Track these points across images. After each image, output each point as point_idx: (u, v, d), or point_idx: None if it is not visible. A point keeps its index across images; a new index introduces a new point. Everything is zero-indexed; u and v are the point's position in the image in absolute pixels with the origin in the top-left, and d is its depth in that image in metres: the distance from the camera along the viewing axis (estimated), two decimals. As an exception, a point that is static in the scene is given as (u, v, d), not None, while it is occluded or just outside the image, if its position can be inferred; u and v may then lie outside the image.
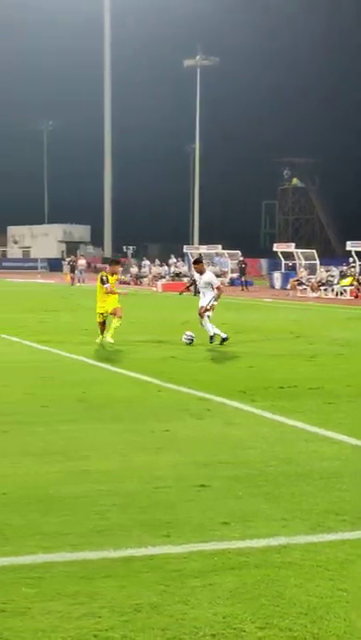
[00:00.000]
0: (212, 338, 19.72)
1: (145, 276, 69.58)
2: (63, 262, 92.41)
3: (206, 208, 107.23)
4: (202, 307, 19.89)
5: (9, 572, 5.69)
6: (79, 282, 63.84)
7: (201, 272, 20.76)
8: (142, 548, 6.18)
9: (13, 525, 6.65)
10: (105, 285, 19.88)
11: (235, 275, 64.47)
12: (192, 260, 22.67)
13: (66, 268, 79.16)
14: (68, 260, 77.32)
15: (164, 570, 5.77)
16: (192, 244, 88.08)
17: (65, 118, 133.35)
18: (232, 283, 63.97)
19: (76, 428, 10.43)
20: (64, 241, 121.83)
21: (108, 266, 21.08)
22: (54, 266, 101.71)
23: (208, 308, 19.78)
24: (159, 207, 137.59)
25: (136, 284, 67.80)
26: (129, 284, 67.76)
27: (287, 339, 22.36)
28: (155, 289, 58.76)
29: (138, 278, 70.12)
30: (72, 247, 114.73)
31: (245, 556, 6.05)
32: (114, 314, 19.89)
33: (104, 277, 20.14)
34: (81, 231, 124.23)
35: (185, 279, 61.77)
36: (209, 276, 20.84)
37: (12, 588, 5.43)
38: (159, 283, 60.19)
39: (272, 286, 59.85)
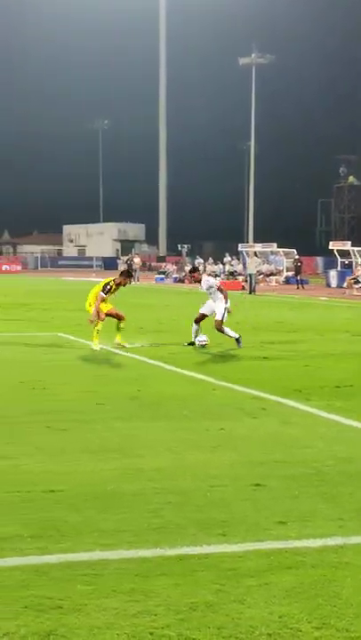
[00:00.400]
0: (238, 340, 18.88)
1: (199, 275, 69.56)
2: (118, 261, 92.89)
3: (261, 206, 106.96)
4: (217, 321, 18.74)
5: (65, 569, 5.72)
6: (135, 280, 64.11)
7: (198, 281, 19.53)
8: (198, 546, 6.17)
9: (70, 522, 6.69)
10: (101, 294, 18.62)
11: (290, 273, 64.23)
12: (188, 270, 20.86)
13: (122, 266, 79.48)
14: (125, 258, 77.55)
15: (219, 569, 5.75)
16: (247, 243, 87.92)
17: (120, 117, 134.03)
18: (287, 281, 63.75)
19: (132, 425, 10.46)
20: (119, 240, 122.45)
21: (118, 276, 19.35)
22: (109, 264, 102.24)
23: (223, 320, 18.80)
24: (214, 205, 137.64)
25: (190, 282, 67.80)
26: (183, 282, 67.85)
27: (343, 337, 22.19)
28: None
29: (192, 277, 70.10)
30: (127, 246, 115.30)
31: (302, 556, 6.01)
32: (111, 315, 18.93)
33: (108, 286, 18.70)
34: (136, 230, 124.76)
35: (240, 277, 61.78)
36: (207, 281, 19.32)
37: (68, 585, 5.46)
38: (214, 281, 60.10)
39: (328, 285, 59.51)
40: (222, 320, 18.76)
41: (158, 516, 6.85)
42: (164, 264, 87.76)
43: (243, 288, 54.58)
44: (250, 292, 49.81)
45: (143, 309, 31.96)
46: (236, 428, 10.34)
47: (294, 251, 65.84)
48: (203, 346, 18.78)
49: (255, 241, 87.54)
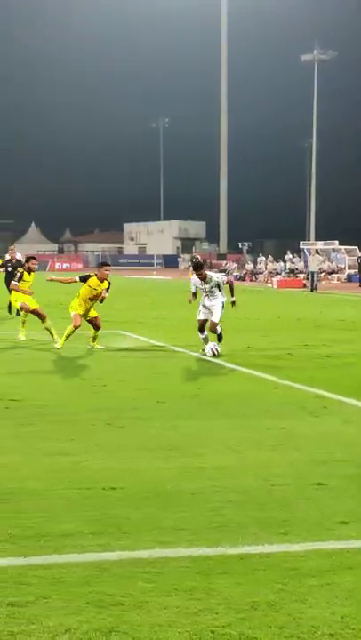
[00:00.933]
0: (220, 336, 17.66)
1: (260, 273, 69.40)
2: (179, 259, 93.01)
3: (323, 203, 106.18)
4: (213, 322, 17.45)
5: (127, 566, 5.73)
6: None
7: (204, 278, 17.56)
8: (259, 545, 6.14)
9: (131, 519, 6.70)
10: (76, 278, 17.72)
11: (352, 271, 63.71)
12: (191, 267, 18.77)
13: (184, 264, 79.58)
14: (189, 256, 77.27)
15: (281, 568, 5.71)
16: (308, 240, 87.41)
17: (181, 115, 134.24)
18: (349, 279, 63.23)
19: (192, 424, 10.45)
20: (179, 237, 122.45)
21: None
22: (170, 262, 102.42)
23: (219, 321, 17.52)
24: (275, 203, 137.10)
25: (251, 280, 67.72)
26: (244, 279, 67.70)
27: None
28: (270, 285, 58.54)
29: (253, 275, 70.00)
30: (187, 244, 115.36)
31: (364, 557, 5.94)
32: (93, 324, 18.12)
33: (87, 276, 17.92)
34: (196, 228, 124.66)
35: (301, 275, 61.46)
36: (215, 277, 17.88)
37: (130, 582, 5.46)
38: (275, 279, 59.95)
39: (391, 283, 58.88)
40: (219, 321, 17.57)
41: (219, 515, 6.83)
42: (224, 262, 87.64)
43: (304, 286, 54.32)
44: (311, 290, 49.54)
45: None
46: (297, 427, 10.28)
47: (356, 248, 65.31)
48: (215, 354, 17.02)
49: (317, 239, 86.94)
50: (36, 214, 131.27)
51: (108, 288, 18.13)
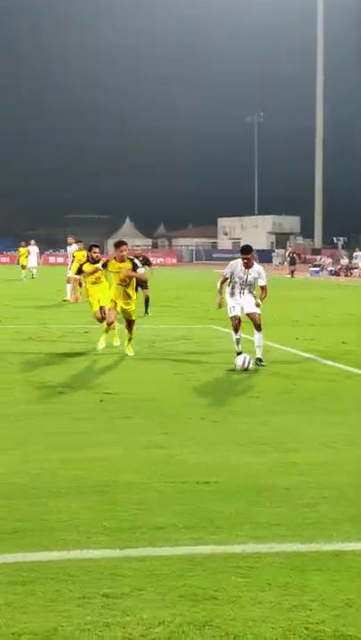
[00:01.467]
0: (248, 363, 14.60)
1: (356, 268, 68.65)
2: (273, 254, 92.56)
3: None
4: (257, 315, 15.31)
5: (220, 560, 5.74)
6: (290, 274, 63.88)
7: (248, 266, 15.28)
8: (353, 542, 6.08)
9: (224, 514, 6.70)
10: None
11: None
12: (241, 250, 15.57)
13: (278, 260, 79.06)
14: (288, 252, 76.66)
15: (376, 566, 5.66)
16: None
17: (276, 109, 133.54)
18: None
19: (285, 419, 10.41)
20: (273, 232, 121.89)
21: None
22: (264, 257, 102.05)
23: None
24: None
25: (346, 275, 67.05)
26: (339, 275, 67.07)
27: None
28: (365, 280, 57.89)
29: (348, 270, 69.29)
30: (282, 239, 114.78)
31: None
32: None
33: (105, 263, 16.68)
34: (291, 222, 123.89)
35: None
36: (259, 269, 15.52)
37: (223, 577, 5.47)
38: (370, 274, 59.26)
39: None
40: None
41: (313, 511, 6.79)
42: (319, 257, 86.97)
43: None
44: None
45: (298, 303, 31.77)
46: (392, 424, 10.15)
47: None
48: (246, 369, 14.41)
49: None
50: (131, 210, 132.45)
51: (135, 268, 16.21)
